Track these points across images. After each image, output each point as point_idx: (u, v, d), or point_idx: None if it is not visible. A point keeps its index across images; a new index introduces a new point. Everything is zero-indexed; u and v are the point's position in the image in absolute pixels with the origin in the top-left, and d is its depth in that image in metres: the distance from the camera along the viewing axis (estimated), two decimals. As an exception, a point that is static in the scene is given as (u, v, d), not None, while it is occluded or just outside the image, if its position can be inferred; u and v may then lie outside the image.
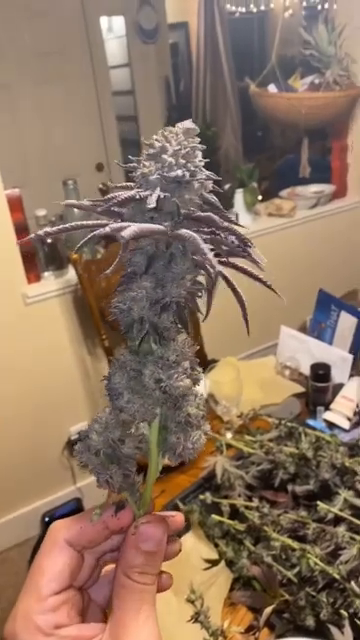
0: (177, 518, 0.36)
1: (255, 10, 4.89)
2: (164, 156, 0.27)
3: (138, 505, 0.33)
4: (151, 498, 0.34)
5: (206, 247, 0.25)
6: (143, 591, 0.32)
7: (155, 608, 0.32)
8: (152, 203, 0.26)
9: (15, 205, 1.70)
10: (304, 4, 4.81)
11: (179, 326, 0.30)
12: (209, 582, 0.89)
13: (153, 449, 0.31)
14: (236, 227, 0.28)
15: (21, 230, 1.72)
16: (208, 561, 0.92)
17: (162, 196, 0.26)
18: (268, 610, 0.77)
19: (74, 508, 1.93)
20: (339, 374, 1.33)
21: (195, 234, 0.26)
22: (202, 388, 1.31)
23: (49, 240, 1.78)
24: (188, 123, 0.28)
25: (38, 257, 1.82)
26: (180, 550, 0.36)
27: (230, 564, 0.90)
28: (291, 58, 2.91)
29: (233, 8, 4.68)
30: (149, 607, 0.32)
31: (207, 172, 0.28)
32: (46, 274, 1.83)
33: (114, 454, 0.31)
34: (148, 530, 0.32)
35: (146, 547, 0.32)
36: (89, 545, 0.34)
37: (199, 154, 0.28)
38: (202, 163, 0.28)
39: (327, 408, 1.28)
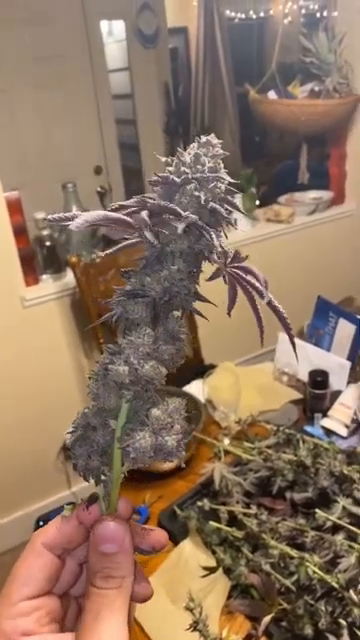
0: (155, 534, 0.34)
1: (254, 17, 4.92)
2: (191, 187, 0.28)
3: (105, 504, 0.32)
4: (117, 499, 0.32)
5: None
6: (106, 596, 0.30)
7: (124, 613, 0.30)
8: (180, 230, 0.27)
9: (14, 207, 1.69)
10: (303, 11, 4.84)
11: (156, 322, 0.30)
12: (207, 589, 0.88)
13: (115, 444, 0.30)
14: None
15: (20, 232, 1.71)
16: (206, 568, 0.91)
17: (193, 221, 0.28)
18: (267, 619, 0.77)
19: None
20: (337, 381, 1.34)
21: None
22: (198, 392, 1.31)
23: (48, 243, 1.78)
24: (212, 139, 0.29)
25: (37, 260, 1.82)
26: (150, 596, 0.33)
27: (228, 571, 0.90)
28: (290, 65, 2.92)
29: (233, 14, 4.71)
30: (112, 613, 0.29)
31: (232, 203, 0.29)
32: (44, 277, 1.82)
33: (87, 437, 0.31)
34: (105, 530, 0.31)
35: (104, 549, 0.30)
36: (68, 545, 0.33)
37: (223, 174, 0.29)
38: (224, 184, 0.29)
39: (325, 415, 1.28)
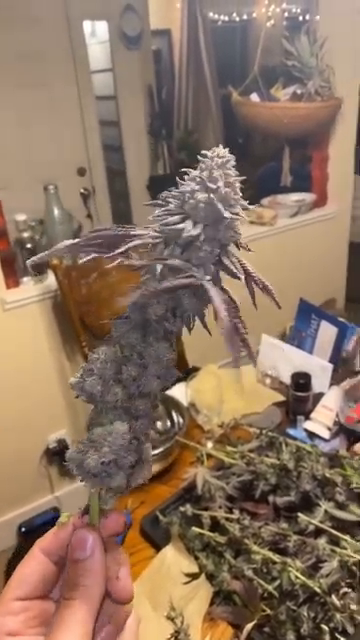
0: (111, 519, 0.33)
1: (238, 19, 4.94)
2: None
3: (91, 516, 0.33)
4: (97, 513, 0.32)
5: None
6: (70, 606, 0.30)
7: (87, 626, 0.29)
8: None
9: (-6, 209, 1.66)
10: (286, 15, 4.87)
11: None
12: (189, 596, 0.88)
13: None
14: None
15: (0, 235, 1.69)
16: (188, 575, 0.91)
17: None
18: (249, 627, 0.76)
19: (52, 518, 1.89)
20: (319, 383, 1.34)
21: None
22: (181, 395, 1.30)
23: (29, 245, 1.76)
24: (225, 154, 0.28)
25: (17, 262, 1.79)
26: (130, 597, 0.33)
27: (211, 577, 0.89)
28: (273, 68, 2.93)
29: (216, 16, 4.72)
30: (73, 624, 0.29)
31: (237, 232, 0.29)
32: (25, 279, 1.80)
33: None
34: (75, 537, 0.32)
35: (73, 555, 0.31)
36: (63, 552, 0.33)
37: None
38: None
39: (307, 417, 1.28)
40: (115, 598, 0.32)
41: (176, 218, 0.27)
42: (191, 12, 3.88)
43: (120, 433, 0.29)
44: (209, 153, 0.28)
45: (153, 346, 0.29)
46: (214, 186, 0.26)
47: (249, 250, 0.30)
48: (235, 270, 0.28)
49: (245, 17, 4.95)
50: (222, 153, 0.28)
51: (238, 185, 0.28)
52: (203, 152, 0.28)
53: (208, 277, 0.27)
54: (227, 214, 0.27)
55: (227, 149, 0.28)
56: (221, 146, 0.28)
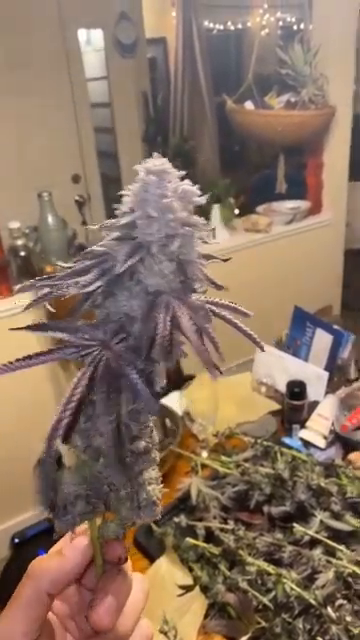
0: (110, 547, 0.32)
1: (233, 28, 4.97)
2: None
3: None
4: (100, 564, 0.31)
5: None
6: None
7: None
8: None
9: (-12, 216, 1.66)
10: (280, 24, 4.92)
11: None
12: (183, 609, 0.86)
13: None
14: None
15: (-6, 242, 1.68)
16: (182, 587, 0.89)
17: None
18: (243, 640, 0.75)
19: (45, 528, 1.87)
20: (314, 392, 1.33)
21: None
22: (176, 404, 1.29)
23: (22, 253, 1.75)
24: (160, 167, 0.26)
25: (10, 269, 1.78)
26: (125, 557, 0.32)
27: (205, 589, 0.88)
28: (267, 76, 2.95)
29: (211, 25, 4.76)
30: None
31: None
32: (19, 287, 1.79)
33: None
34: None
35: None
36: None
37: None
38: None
39: (303, 426, 1.27)
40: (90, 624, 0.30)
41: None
42: (186, 21, 3.90)
43: (92, 470, 0.29)
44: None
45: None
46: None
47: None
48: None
49: (240, 26, 4.99)
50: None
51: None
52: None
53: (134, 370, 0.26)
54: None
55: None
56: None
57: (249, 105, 2.26)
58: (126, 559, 0.31)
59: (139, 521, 0.30)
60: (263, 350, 0.28)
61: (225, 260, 0.29)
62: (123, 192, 0.26)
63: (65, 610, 0.33)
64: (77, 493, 0.29)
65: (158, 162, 0.25)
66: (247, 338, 0.28)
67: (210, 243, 0.27)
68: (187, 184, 0.25)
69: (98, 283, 0.27)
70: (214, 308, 0.27)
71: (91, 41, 3.55)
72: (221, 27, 4.91)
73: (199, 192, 0.26)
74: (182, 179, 0.26)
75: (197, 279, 0.26)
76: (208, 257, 0.27)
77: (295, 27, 4.86)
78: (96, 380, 0.26)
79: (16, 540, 1.82)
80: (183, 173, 0.26)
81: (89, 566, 0.32)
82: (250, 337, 0.27)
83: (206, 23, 4.32)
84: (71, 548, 0.31)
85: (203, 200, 0.26)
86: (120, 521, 0.30)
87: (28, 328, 0.26)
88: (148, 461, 0.30)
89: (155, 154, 0.26)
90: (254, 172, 3.61)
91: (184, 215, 0.25)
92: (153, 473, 0.30)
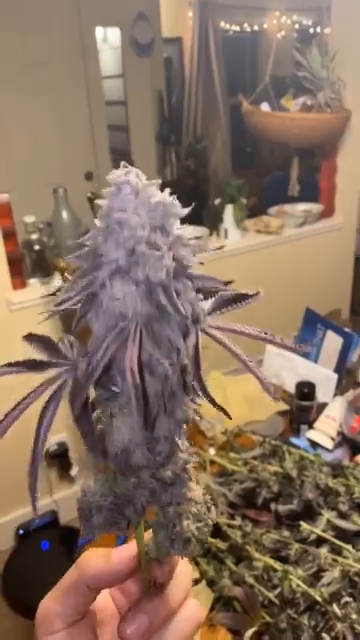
0: (151, 566, 0.31)
1: (249, 29, 4.98)
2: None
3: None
4: (147, 579, 0.31)
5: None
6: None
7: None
8: None
9: (3, 210, 1.68)
10: (297, 27, 4.92)
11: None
12: (189, 602, 0.87)
13: None
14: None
15: (8, 235, 1.70)
16: (189, 580, 0.90)
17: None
18: (249, 633, 0.76)
19: (50, 521, 1.89)
20: (323, 393, 1.34)
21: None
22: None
23: (37, 247, 1.77)
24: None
25: (24, 263, 1.80)
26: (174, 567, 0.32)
27: (211, 583, 0.89)
28: (283, 78, 2.95)
29: (227, 26, 4.76)
30: None
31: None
32: (32, 281, 1.81)
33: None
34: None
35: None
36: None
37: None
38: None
39: (311, 427, 1.28)
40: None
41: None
42: (202, 21, 3.91)
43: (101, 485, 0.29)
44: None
45: None
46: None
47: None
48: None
49: (256, 28, 4.99)
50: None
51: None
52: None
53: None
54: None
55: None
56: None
57: (265, 107, 2.27)
58: (162, 584, 0.30)
59: (172, 552, 0.29)
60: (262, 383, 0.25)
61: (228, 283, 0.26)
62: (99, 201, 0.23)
63: (124, 604, 0.33)
64: (99, 504, 0.28)
65: (121, 172, 0.23)
66: (235, 358, 0.25)
67: (202, 255, 0.24)
68: (161, 196, 0.22)
69: (78, 298, 0.24)
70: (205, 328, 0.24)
71: (108, 39, 3.57)
72: (237, 29, 4.91)
73: (177, 204, 0.22)
74: (162, 190, 0.23)
75: (172, 303, 0.22)
76: (195, 277, 0.24)
77: (311, 30, 4.87)
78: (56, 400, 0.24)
79: (21, 531, 1.84)
80: (159, 182, 0.23)
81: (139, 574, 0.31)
82: (239, 358, 0.25)
83: (222, 24, 4.33)
84: (119, 553, 0.30)
85: (183, 213, 0.23)
86: (156, 546, 0.30)
87: (25, 337, 0.26)
88: (179, 495, 0.29)
89: (122, 163, 0.24)
90: (266, 173, 3.61)
91: (144, 233, 0.22)
92: (193, 509, 0.29)
